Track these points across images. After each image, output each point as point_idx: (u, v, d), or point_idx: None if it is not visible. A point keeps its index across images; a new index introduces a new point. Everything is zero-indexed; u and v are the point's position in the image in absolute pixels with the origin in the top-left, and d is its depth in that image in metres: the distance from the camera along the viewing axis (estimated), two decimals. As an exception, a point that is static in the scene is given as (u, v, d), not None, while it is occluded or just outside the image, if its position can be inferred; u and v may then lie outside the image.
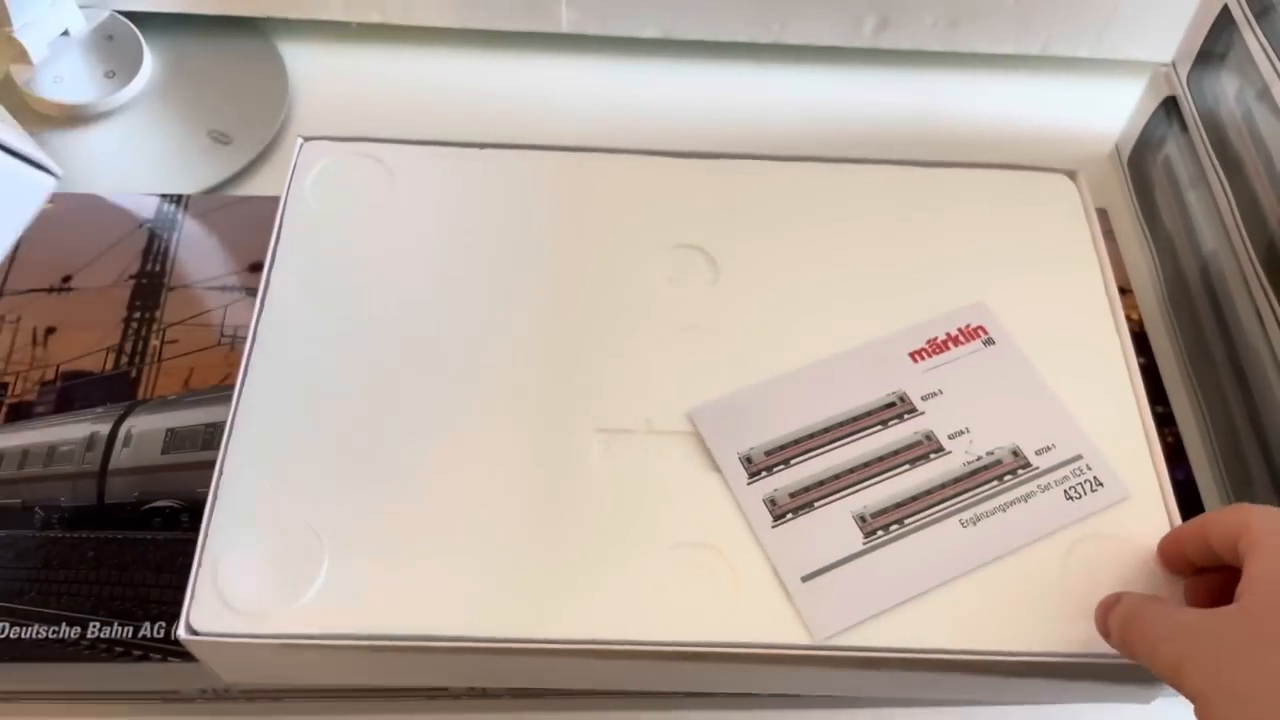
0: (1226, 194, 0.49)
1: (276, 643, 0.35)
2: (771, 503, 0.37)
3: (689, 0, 0.61)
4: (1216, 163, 0.49)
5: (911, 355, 0.41)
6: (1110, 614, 0.34)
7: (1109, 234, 0.52)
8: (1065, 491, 0.38)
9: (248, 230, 0.44)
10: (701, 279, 0.43)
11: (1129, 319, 0.49)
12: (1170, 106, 0.54)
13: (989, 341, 0.42)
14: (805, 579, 0.36)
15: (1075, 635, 0.35)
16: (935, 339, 0.41)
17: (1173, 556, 0.37)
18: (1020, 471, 0.39)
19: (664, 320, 0.42)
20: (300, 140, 0.46)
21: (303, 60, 0.63)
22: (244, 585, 0.35)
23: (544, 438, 0.39)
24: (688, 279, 0.43)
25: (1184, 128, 0.53)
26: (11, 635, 0.40)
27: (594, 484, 0.38)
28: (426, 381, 0.40)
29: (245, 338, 0.41)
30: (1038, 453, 0.39)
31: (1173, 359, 0.55)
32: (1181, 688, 0.30)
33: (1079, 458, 0.39)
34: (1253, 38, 0.47)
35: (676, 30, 0.62)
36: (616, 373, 0.40)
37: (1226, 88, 0.50)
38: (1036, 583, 0.36)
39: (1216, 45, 0.50)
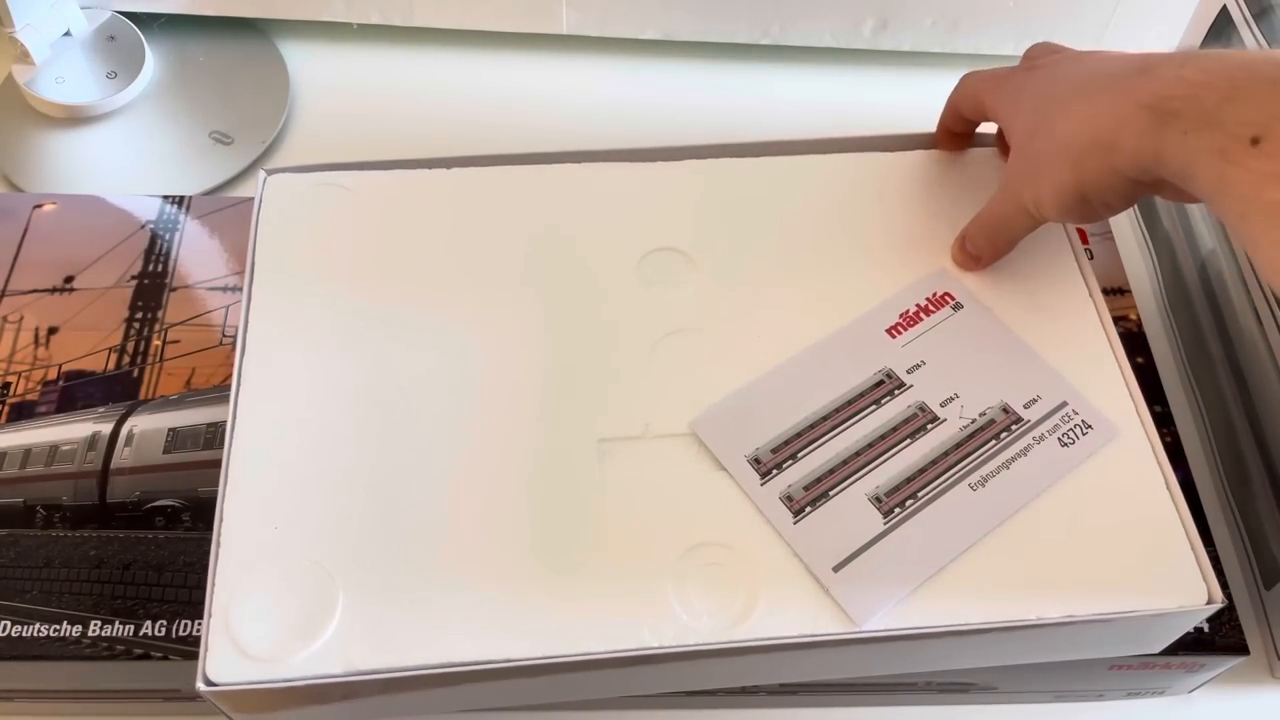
0: (1225, 194, 0.49)
1: (301, 685, 0.34)
2: (788, 499, 0.38)
3: (689, 1, 0.61)
4: (1215, 163, 0.49)
5: (888, 331, 0.42)
6: (970, 243, 0.43)
7: (1107, 235, 0.52)
8: (1059, 439, 0.39)
9: (249, 231, 0.44)
10: (681, 280, 0.43)
11: (1127, 319, 0.49)
12: (1169, 107, 0.54)
13: (957, 306, 0.42)
14: (836, 569, 0.36)
15: (1091, 590, 0.36)
16: (906, 312, 0.42)
17: (947, 143, 0.47)
18: (1014, 427, 0.39)
19: (651, 325, 0.42)
20: (263, 174, 0.45)
21: (304, 61, 0.63)
22: (259, 631, 0.34)
23: (547, 453, 0.39)
24: (669, 281, 0.43)
25: (1183, 128, 0.53)
26: (13, 634, 0.40)
27: (602, 494, 0.38)
28: (420, 409, 0.39)
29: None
30: (1026, 406, 0.40)
31: (1171, 359, 0.55)
32: (1028, 211, 0.39)
33: (1065, 404, 0.40)
34: (1251, 38, 0.47)
35: (676, 31, 0.62)
36: (611, 381, 0.40)
37: (1225, 88, 0.50)
38: (1050, 547, 0.37)
39: (1215, 46, 0.50)
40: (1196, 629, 0.41)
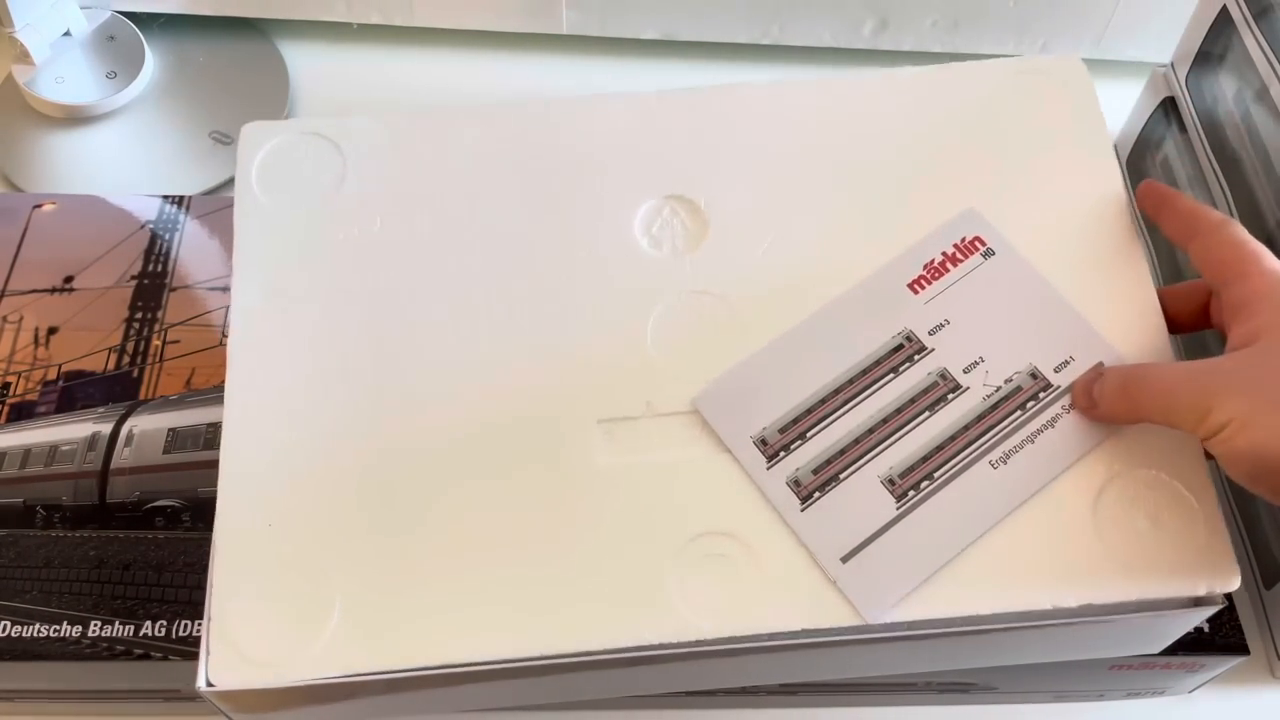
0: (1225, 194, 0.49)
1: (301, 686, 0.34)
2: (796, 484, 0.36)
3: (689, 1, 0.61)
4: (1215, 163, 0.49)
5: (911, 286, 0.39)
6: (1099, 384, 0.36)
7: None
8: None
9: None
10: (688, 233, 0.40)
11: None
12: (1169, 107, 0.54)
13: (989, 253, 0.39)
14: (845, 559, 0.35)
15: (1111, 582, 0.35)
16: (932, 262, 0.39)
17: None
18: (1042, 395, 0.37)
19: (654, 288, 0.39)
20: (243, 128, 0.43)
21: (303, 61, 0.63)
22: (257, 634, 0.34)
23: (544, 437, 0.37)
24: (674, 236, 0.40)
25: (1183, 128, 0.53)
26: (13, 634, 0.40)
27: (602, 481, 0.36)
28: (412, 393, 0.38)
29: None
30: (1057, 370, 0.37)
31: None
32: (1209, 419, 0.32)
33: (1099, 366, 0.37)
34: (1251, 39, 0.47)
35: (676, 31, 0.62)
36: (609, 356, 0.38)
37: (1225, 88, 0.50)
38: (1069, 529, 0.35)
39: (1215, 46, 0.50)
40: (1196, 629, 0.41)
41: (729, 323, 0.39)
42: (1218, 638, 0.42)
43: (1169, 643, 0.39)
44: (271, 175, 0.41)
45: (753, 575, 0.35)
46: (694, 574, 0.35)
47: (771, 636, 0.34)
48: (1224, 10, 0.49)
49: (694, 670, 0.37)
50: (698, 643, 0.34)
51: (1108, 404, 0.36)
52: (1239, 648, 0.42)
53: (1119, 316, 0.38)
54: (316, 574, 0.35)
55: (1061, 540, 0.35)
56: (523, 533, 0.36)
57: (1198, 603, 0.35)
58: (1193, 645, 0.41)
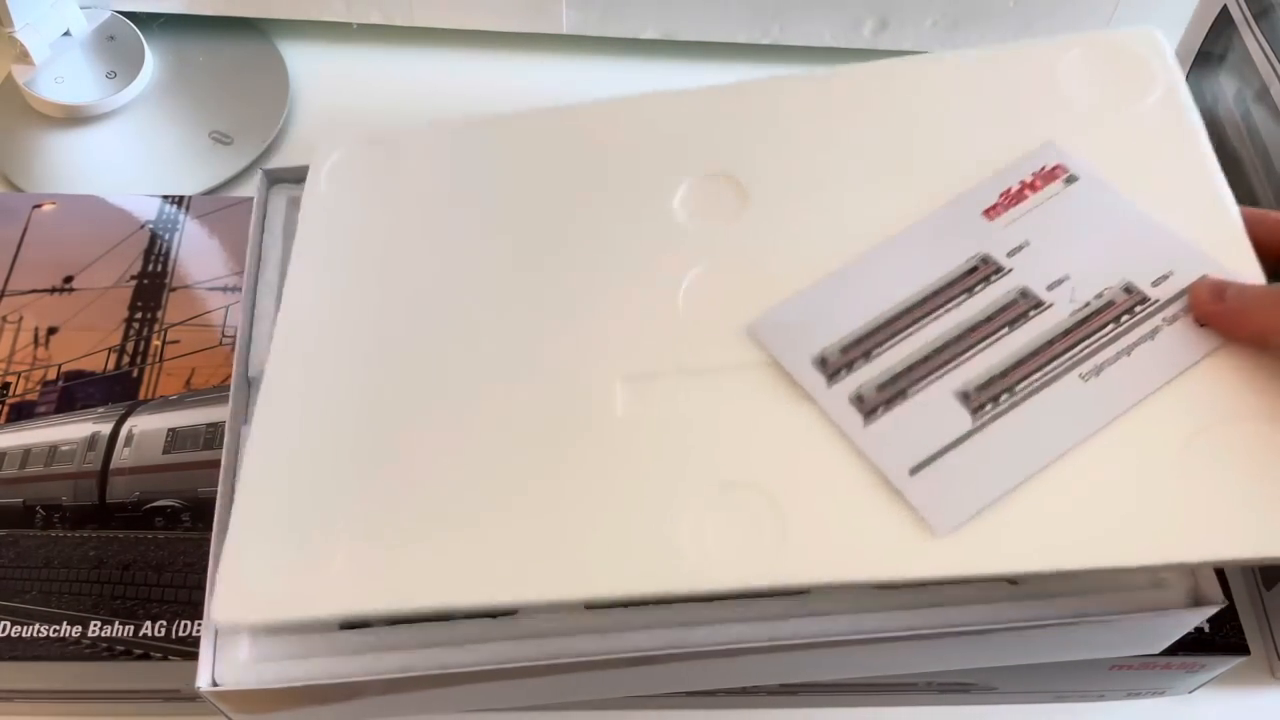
0: (1225, 194, 0.49)
1: (300, 687, 0.34)
2: (859, 399, 0.33)
3: (689, 1, 0.61)
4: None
5: (985, 213, 0.36)
6: (1236, 285, 0.32)
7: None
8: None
9: (249, 227, 0.44)
10: (729, 208, 0.39)
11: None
12: (1169, 107, 0.54)
13: (1071, 179, 0.36)
14: (913, 471, 0.32)
15: (1204, 540, 0.31)
16: (1009, 190, 0.36)
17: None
18: (1138, 309, 0.33)
19: (690, 255, 0.38)
20: (321, 145, 0.45)
21: (303, 61, 0.63)
22: (263, 573, 0.34)
23: (566, 393, 0.36)
24: (714, 210, 0.39)
25: (1183, 128, 0.53)
26: (13, 634, 0.40)
27: (622, 433, 0.35)
28: (438, 357, 0.38)
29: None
30: (1154, 284, 0.34)
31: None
32: None
33: (1204, 279, 0.34)
34: (1251, 39, 0.47)
35: (676, 31, 0.62)
36: (639, 317, 0.37)
37: (1225, 88, 0.50)
38: (1157, 478, 0.32)
39: (1215, 46, 0.50)
40: (1196, 629, 0.41)
41: (765, 287, 0.37)
42: (1218, 638, 0.42)
43: (1169, 643, 0.39)
44: (337, 178, 0.44)
45: (775, 529, 0.32)
46: (713, 524, 0.33)
47: (774, 637, 0.34)
48: (1224, 10, 0.49)
49: (694, 670, 0.37)
50: (692, 648, 0.34)
51: (1251, 303, 0.32)
52: (1239, 648, 0.42)
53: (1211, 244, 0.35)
54: (318, 573, 0.35)
55: (1148, 490, 0.31)
56: (536, 481, 0.35)
57: (1197, 603, 0.35)
58: (1193, 645, 0.41)
